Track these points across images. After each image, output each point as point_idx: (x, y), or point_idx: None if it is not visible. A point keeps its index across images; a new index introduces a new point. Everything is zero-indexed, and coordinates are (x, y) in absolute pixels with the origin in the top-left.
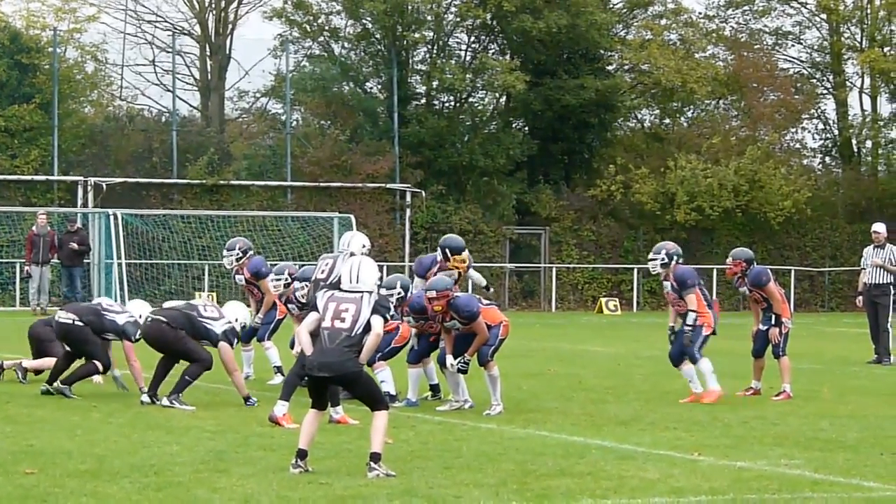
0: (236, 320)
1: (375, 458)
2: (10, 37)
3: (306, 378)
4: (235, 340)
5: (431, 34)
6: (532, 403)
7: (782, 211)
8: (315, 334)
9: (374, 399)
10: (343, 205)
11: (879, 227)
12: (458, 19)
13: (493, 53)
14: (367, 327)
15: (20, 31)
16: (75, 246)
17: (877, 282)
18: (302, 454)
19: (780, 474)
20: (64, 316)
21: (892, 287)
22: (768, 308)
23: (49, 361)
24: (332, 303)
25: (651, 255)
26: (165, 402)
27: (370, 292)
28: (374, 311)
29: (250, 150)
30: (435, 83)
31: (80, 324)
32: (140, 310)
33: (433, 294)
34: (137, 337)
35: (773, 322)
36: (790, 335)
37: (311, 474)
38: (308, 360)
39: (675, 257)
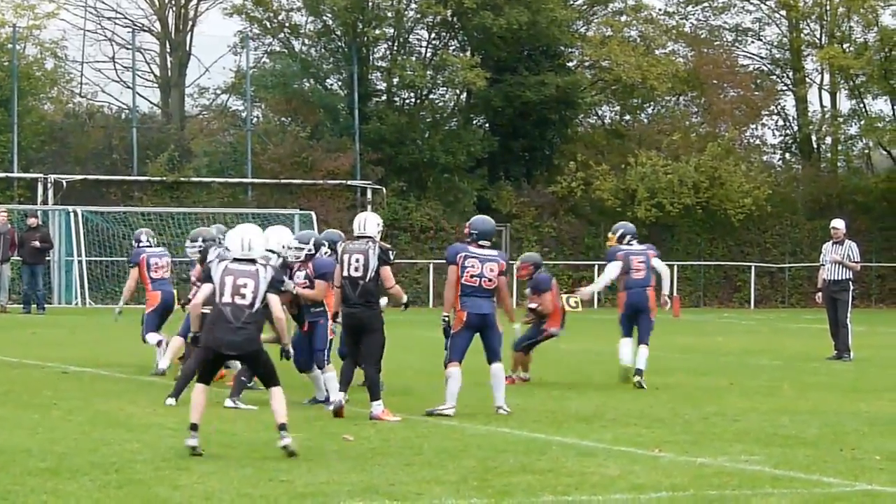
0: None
1: (283, 427)
2: None
3: (206, 352)
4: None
5: (392, 31)
6: (494, 405)
7: (742, 207)
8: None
9: (271, 376)
10: (304, 202)
11: (838, 224)
12: (419, 16)
13: (453, 50)
14: (266, 302)
15: None
16: (37, 244)
17: (836, 278)
18: (195, 427)
19: (741, 470)
20: None
21: (851, 283)
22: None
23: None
24: (228, 276)
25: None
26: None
27: (264, 264)
28: (271, 285)
29: (211, 146)
30: (395, 80)
31: None
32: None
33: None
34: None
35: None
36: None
37: (273, 471)
38: (213, 337)
39: (542, 266)
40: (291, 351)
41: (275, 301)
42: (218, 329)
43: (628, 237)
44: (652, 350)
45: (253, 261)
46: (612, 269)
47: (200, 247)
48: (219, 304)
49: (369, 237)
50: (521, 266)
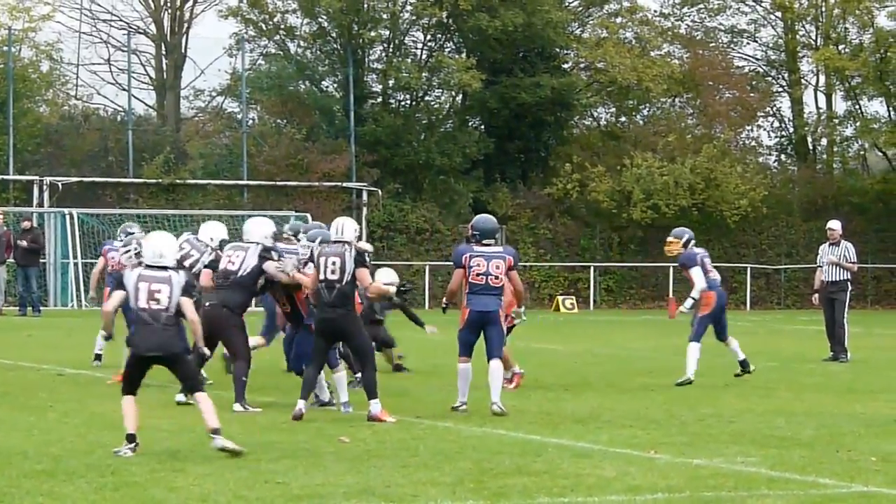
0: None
1: (216, 431)
2: None
3: (132, 360)
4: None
5: (387, 33)
6: (489, 401)
7: (738, 209)
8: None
9: (194, 381)
10: (299, 203)
11: (834, 225)
12: (414, 18)
13: (449, 52)
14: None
15: None
16: (24, 243)
17: (833, 279)
18: (132, 438)
19: (737, 472)
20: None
21: (848, 283)
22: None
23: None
24: (143, 283)
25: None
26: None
27: (175, 269)
28: (184, 289)
29: (206, 149)
30: (391, 82)
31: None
32: None
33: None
34: None
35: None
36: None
37: (268, 473)
38: (135, 341)
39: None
40: (207, 353)
41: (188, 304)
42: (139, 332)
43: (693, 242)
44: (648, 351)
45: (165, 267)
46: (700, 274)
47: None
48: (136, 309)
49: (346, 241)
50: None
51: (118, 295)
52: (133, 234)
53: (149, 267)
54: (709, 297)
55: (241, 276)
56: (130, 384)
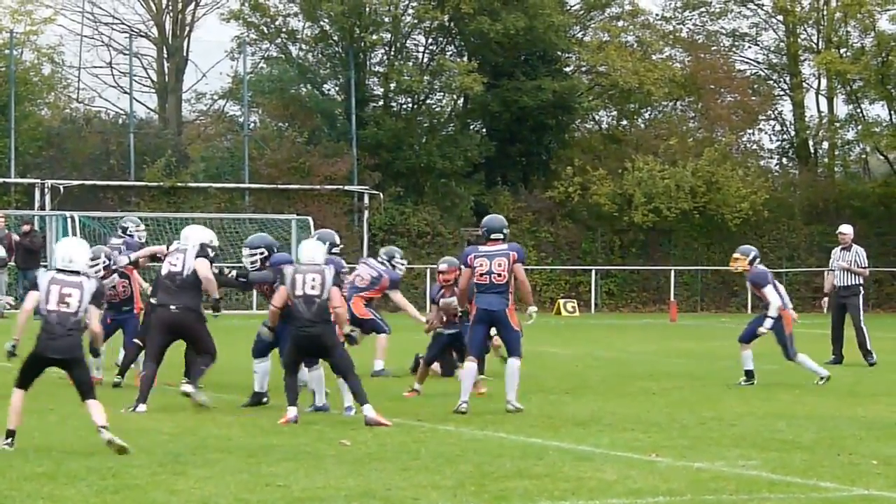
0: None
1: (104, 427)
2: None
3: (32, 357)
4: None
5: (389, 36)
6: (490, 405)
7: (739, 212)
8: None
9: (88, 388)
10: (301, 207)
11: (846, 229)
12: (416, 21)
13: (450, 55)
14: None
15: None
16: (17, 238)
17: (845, 284)
18: (10, 434)
19: (738, 475)
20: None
21: (861, 287)
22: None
23: None
24: (54, 286)
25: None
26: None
27: (87, 276)
28: (94, 297)
29: (208, 152)
30: (392, 85)
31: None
32: None
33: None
34: None
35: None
36: None
37: (269, 476)
38: (40, 342)
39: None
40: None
41: (94, 312)
42: (44, 334)
43: (759, 259)
44: (649, 354)
45: (77, 272)
46: (774, 292)
47: (104, 262)
48: (44, 311)
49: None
50: (449, 270)
51: (32, 296)
52: (128, 227)
53: (60, 271)
54: (788, 315)
55: (186, 276)
56: (24, 380)
